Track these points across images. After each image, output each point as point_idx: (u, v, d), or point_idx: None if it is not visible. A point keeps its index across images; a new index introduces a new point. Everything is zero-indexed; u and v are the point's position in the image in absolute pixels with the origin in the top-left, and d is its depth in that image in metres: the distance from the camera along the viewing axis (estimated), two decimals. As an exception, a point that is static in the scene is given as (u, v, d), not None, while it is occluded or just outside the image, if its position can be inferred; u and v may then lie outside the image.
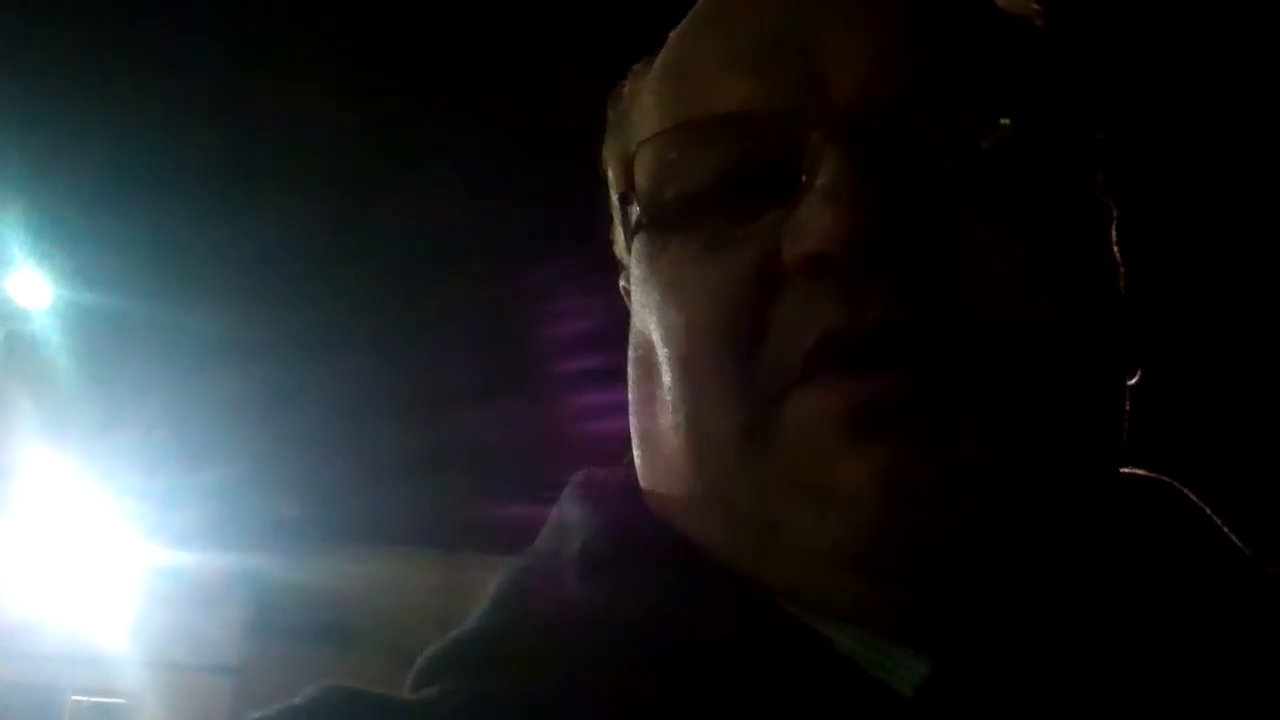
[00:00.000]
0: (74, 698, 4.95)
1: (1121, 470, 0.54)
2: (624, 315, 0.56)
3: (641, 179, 0.52)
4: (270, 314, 3.20)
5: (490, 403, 3.48)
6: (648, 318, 0.52)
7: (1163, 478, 0.55)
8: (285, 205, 2.86)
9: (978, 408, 0.45)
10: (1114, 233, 0.55)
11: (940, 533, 0.45)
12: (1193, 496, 0.55)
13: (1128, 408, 0.52)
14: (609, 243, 0.59)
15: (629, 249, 0.54)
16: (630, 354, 0.54)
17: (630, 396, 0.54)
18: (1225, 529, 0.54)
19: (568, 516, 0.54)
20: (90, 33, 2.58)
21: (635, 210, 0.52)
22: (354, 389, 3.51)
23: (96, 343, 3.35)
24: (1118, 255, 0.55)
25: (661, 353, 0.50)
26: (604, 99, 0.60)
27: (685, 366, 0.49)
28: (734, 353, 0.47)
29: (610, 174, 0.57)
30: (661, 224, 0.51)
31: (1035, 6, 0.55)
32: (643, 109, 0.55)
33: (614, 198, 0.56)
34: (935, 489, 0.45)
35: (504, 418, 3.50)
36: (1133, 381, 0.53)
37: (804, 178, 0.47)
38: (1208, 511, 0.54)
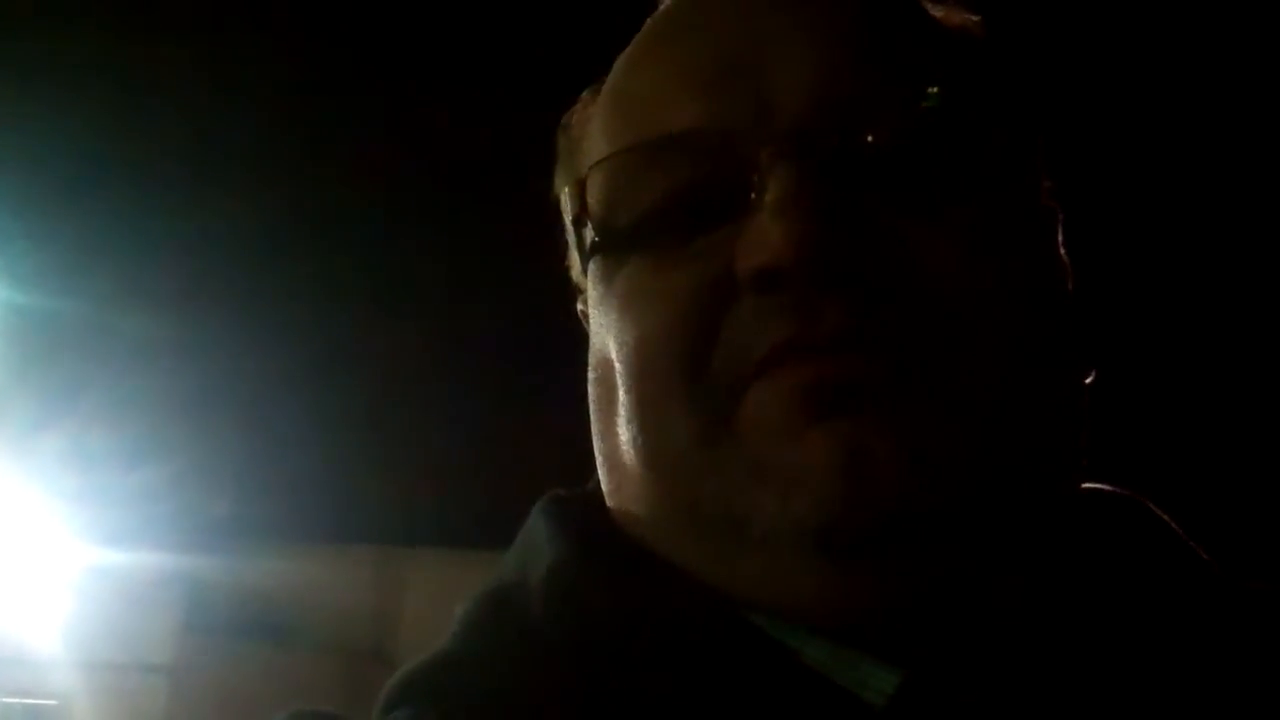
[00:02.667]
0: (3, 700, 4.88)
1: (1085, 486, 0.54)
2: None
3: (594, 202, 0.52)
4: (202, 314, 3.20)
5: (425, 402, 3.51)
6: (605, 337, 0.52)
7: (1126, 492, 0.55)
8: (220, 206, 2.86)
9: (933, 388, 0.45)
10: (1060, 235, 0.55)
11: (903, 505, 0.44)
12: (1156, 510, 0.54)
13: (1085, 407, 0.52)
14: (565, 268, 0.59)
15: (585, 272, 0.55)
16: (590, 375, 0.54)
17: (592, 417, 0.54)
18: (1189, 542, 0.53)
19: (535, 539, 0.53)
20: (21, 36, 2.57)
21: (589, 233, 0.52)
22: (286, 388, 3.52)
23: (28, 342, 3.33)
24: (1065, 257, 0.55)
25: (618, 370, 0.50)
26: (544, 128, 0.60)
27: (641, 381, 0.49)
28: (688, 364, 0.47)
29: (563, 199, 0.57)
30: (616, 245, 0.51)
31: (974, 19, 0.56)
32: (593, 134, 0.56)
33: (568, 222, 0.56)
34: (896, 462, 0.44)
35: (439, 416, 3.52)
36: (1088, 380, 0.52)
37: (754, 195, 0.47)
38: (1172, 525, 0.54)
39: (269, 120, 2.71)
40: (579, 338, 0.58)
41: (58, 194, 2.91)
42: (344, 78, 2.66)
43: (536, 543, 0.53)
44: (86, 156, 2.85)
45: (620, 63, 0.57)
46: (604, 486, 0.53)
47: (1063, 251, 0.55)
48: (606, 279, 0.52)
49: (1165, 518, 0.54)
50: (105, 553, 4.37)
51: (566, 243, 0.58)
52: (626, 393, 0.50)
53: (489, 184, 2.77)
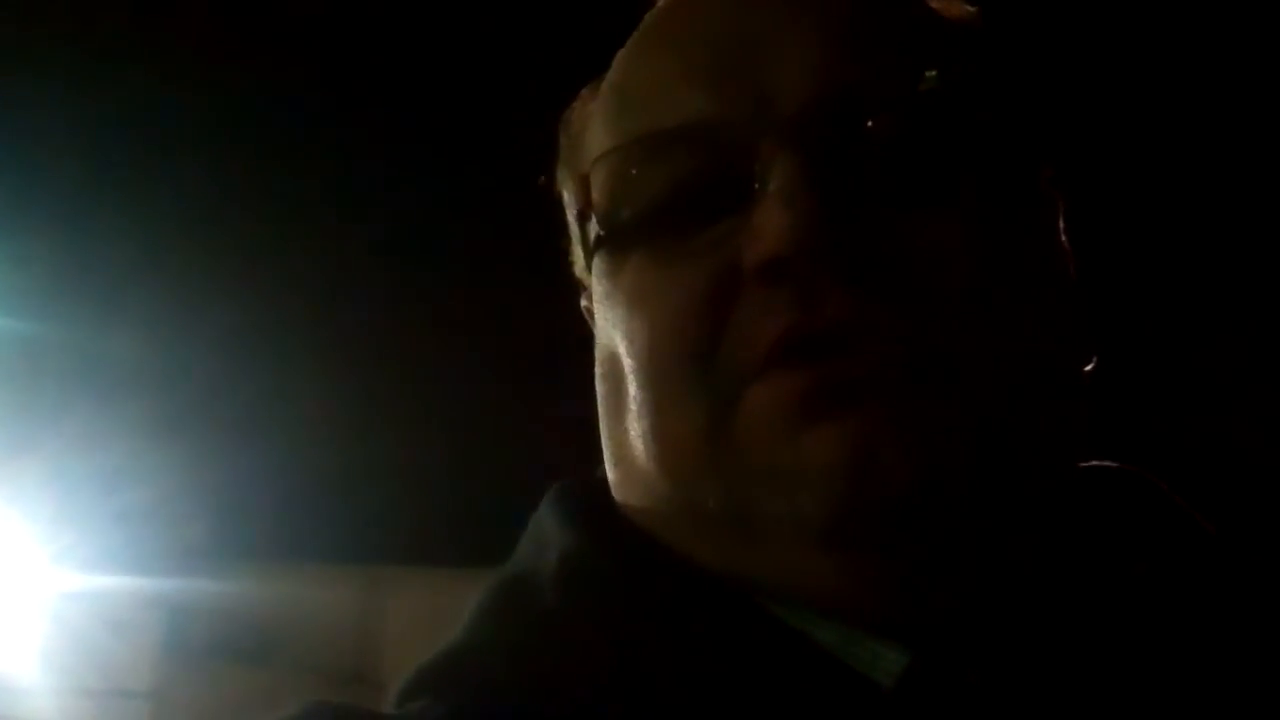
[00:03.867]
0: (-19, 728, 4.84)
1: (1088, 464, 0.54)
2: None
3: (598, 196, 0.51)
4: (182, 339, 3.20)
5: (405, 420, 3.51)
6: (611, 332, 0.52)
7: (1129, 467, 0.55)
8: (199, 230, 2.87)
9: (937, 377, 0.45)
10: (1061, 222, 0.55)
11: (909, 499, 0.44)
12: (1159, 483, 0.55)
13: (1086, 392, 0.52)
14: (569, 264, 0.60)
15: (589, 267, 0.55)
16: (597, 370, 0.54)
17: (600, 411, 0.54)
18: (1193, 513, 0.54)
19: (544, 529, 0.53)
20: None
21: (594, 227, 0.52)
22: (265, 411, 3.51)
23: (6, 366, 3.32)
24: (1067, 243, 0.55)
25: (626, 364, 0.50)
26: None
27: (647, 374, 0.49)
28: (694, 357, 0.47)
29: (566, 194, 0.57)
30: (620, 239, 0.51)
31: (972, 9, 0.56)
32: (595, 128, 0.55)
33: (571, 218, 0.56)
34: (902, 456, 0.44)
35: (417, 435, 3.52)
36: (1089, 368, 0.52)
37: (757, 185, 0.47)
38: (1175, 498, 0.54)
39: (249, 143, 2.72)
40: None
41: (38, 218, 2.91)
42: (326, 97, 2.66)
43: (547, 531, 0.53)
44: (67, 180, 2.85)
45: (620, 57, 0.56)
46: (611, 479, 0.53)
47: (1064, 238, 0.55)
48: (612, 273, 0.52)
49: (1167, 490, 0.54)
50: (83, 577, 4.34)
51: (568, 237, 0.58)
52: (634, 387, 0.50)
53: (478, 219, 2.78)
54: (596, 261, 0.54)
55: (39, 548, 4.14)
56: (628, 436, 0.51)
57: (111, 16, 2.56)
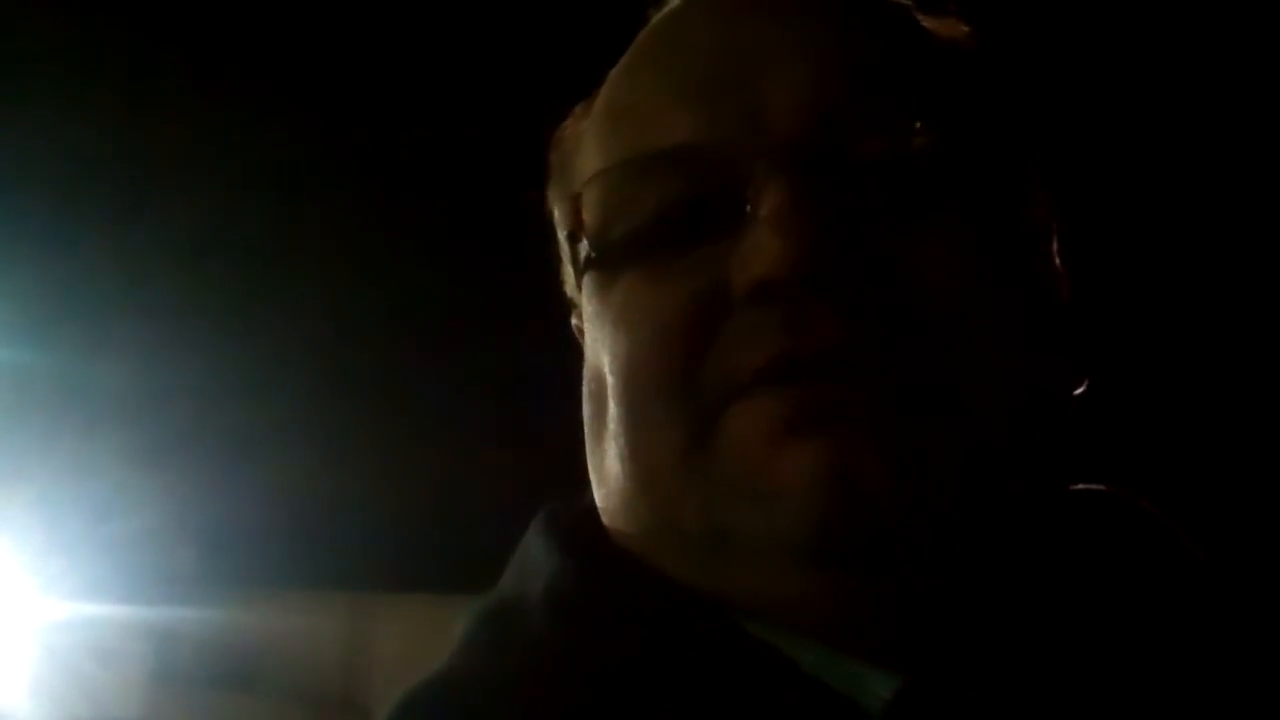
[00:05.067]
0: (-32, 758, 4.80)
1: (1077, 486, 0.54)
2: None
3: (589, 216, 0.51)
4: (170, 367, 3.21)
5: (390, 448, 3.51)
6: (599, 351, 0.52)
7: (1120, 491, 0.55)
8: (187, 261, 2.88)
9: (924, 400, 0.45)
10: (1055, 246, 0.55)
11: (890, 518, 0.44)
12: (1150, 508, 0.54)
13: (1072, 416, 0.52)
14: (559, 283, 0.60)
15: (579, 287, 0.55)
16: (584, 389, 0.54)
17: (585, 431, 0.54)
18: (1184, 538, 0.53)
19: (531, 555, 0.53)
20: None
21: (584, 247, 0.52)
22: (252, 439, 3.52)
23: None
24: (1060, 268, 0.55)
25: (610, 383, 0.50)
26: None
27: (630, 393, 0.49)
28: (677, 376, 0.47)
29: (556, 214, 0.57)
30: (610, 259, 0.51)
31: (965, 29, 0.56)
32: (586, 149, 0.55)
33: (562, 237, 0.56)
34: (883, 476, 0.43)
35: (403, 463, 3.53)
36: (1079, 391, 0.52)
37: (748, 208, 0.46)
38: (1166, 522, 0.54)
39: (237, 174, 2.73)
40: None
41: (25, 247, 2.92)
42: (317, 127, 2.68)
43: (534, 557, 0.52)
44: (54, 210, 2.85)
45: (612, 77, 0.57)
46: (597, 501, 0.53)
47: (1058, 263, 0.55)
48: (601, 293, 0.51)
49: (1159, 515, 0.54)
50: (71, 606, 4.32)
51: (559, 257, 0.58)
52: (616, 405, 0.49)
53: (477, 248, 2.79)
54: (586, 281, 0.53)
55: (27, 576, 4.13)
56: (609, 457, 0.51)
57: (99, 47, 2.57)
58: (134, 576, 4.19)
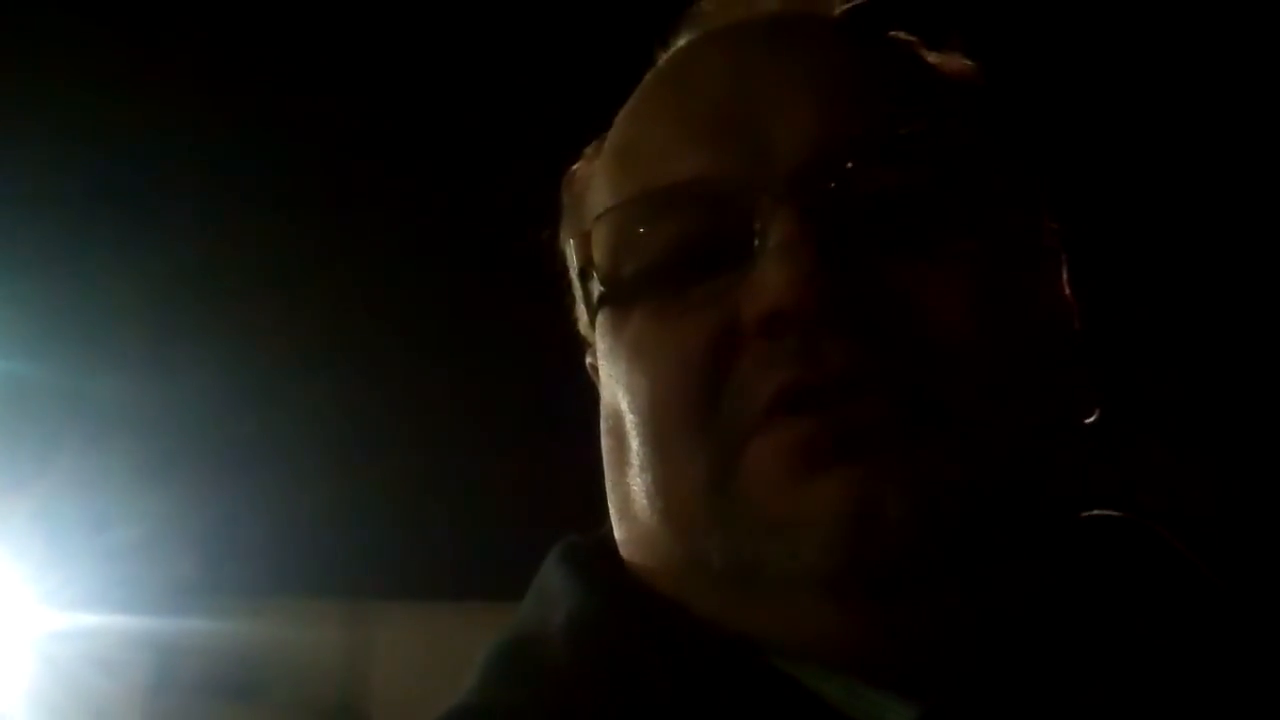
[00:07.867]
0: (-32, 770, 4.78)
1: (1091, 512, 0.55)
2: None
3: (600, 254, 0.52)
4: (171, 377, 3.21)
5: (392, 456, 3.51)
6: (615, 388, 0.52)
7: (1132, 517, 0.56)
8: (189, 271, 2.88)
9: (937, 429, 0.46)
10: (1064, 275, 0.56)
11: (912, 549, 0.44)
12: (1163, 533, 0.55)
13: (1085, 442, 0.52)
14: (573, 322, 0.61)
15: (593, 325, 0.55)
16: (602, 426, 0.55)
17: (605, 467, 0.54)
18: (1197, 563, 0.54)
19: (551, 588, 0.53)
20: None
21: (596, 285, 0.53)
22: (253, 448, 3.52)
23: (-4, 408, 3.33)
24: (1070, 297, 0.55)
25: (629, 420, 0.51)
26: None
27: (650, 429, 0.49)
28: (695, 410, 0.48)
29: (569, 253, 0.57)
30: (622, 296, 0.52)
31: (970, 64, 0.57)
32: (597, 187, 0.56)
33: (574, 275, 0.57)
34: (904, 507, 0.44)
35: (405, 471, 3.53)
36: (1090, 419, 0.53)
37: (757, 242, 0.47)
38: (1179, 547, 0.54)
39: (241, 186, 2.74)
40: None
41: (27, 258, 2.92)
42: (324, 141, 2.68)
43: (553, 591, 0.53)
44: (57, 221, 2.86)
45: (621, 117, 0.58)
46: (617, 535, 0.54)
47: (1067, 291, 0.55)
48: (614, 330, 0.52)
49: (1172, 539, 0.55)
50: (72, 616, 4.32)
51: (572, 296, 0.59)
52: (636, 442, 0.50)
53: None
54: (599, 319, 0.54)
55: (27, 587, 4.13)
56: (631, 492, 0.51)
57: (106, 58, 2.58)
58: (134, 586, 4.19)
